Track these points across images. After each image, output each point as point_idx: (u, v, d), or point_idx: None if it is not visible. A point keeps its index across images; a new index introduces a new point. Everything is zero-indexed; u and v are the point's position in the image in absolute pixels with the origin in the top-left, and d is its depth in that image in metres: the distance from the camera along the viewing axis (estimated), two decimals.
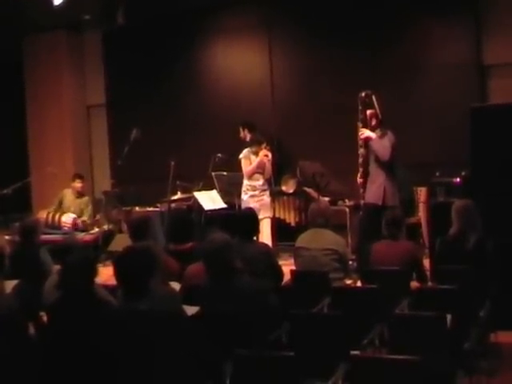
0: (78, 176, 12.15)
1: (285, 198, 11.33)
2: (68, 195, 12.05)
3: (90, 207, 12.01)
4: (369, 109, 9.13)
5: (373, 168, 9.03)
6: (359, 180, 9.20)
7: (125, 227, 10.87)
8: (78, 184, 12.00)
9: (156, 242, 9.34)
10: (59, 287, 5.06)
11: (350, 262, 7.97)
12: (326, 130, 11.96)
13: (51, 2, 11.32)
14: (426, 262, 7.97)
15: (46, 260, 7.53)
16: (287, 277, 7.00)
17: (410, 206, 10.27)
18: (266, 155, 10.14)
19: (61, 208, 11.93)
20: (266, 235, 9.82)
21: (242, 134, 11.23)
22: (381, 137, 8.94)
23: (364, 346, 5.28)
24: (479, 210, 6.83)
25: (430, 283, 6.88)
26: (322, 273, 6.65)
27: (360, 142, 9.15)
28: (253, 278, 5.45)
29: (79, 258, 5.10)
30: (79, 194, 12.03)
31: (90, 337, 4.54)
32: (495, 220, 7.27)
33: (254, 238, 7.31)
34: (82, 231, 11.52)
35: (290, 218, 11.31)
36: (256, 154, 10.17)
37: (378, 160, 8.92)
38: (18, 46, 14.29)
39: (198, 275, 5.90)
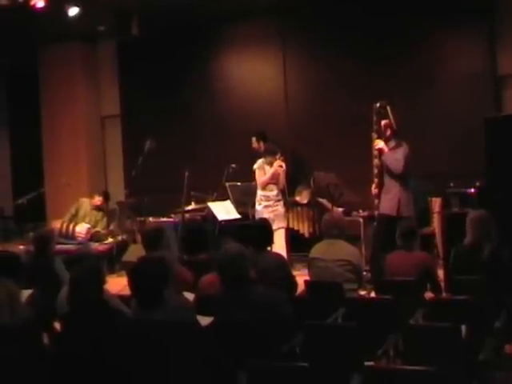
0: (102, 193, 12.22)
1: (299, 208, 11.34)
2: (85, 205, 12.09)
3: (104, 219, 12.05)
4: (383, 119, 9.13)
5: (387, 179, 9.02)
6: (374, 191, 9.19)
7: (139, 237, 10.87)
8: (98, 200, 12.05)
9: (170, 252, 9.36)
10: (69, 300, 5.07)
11: (364, 273, 7.94)
12: (340, 140, 11.95)
13: (66, 13, 11.39)
14: (441, 273, 7.95)
15: (60, 270, 7.53)
16: (301, 287, 7.00)
17: (424, 216, 10.24)
18: (281, 166, 10.14)
19: (76, 217, 11.97)
20: (279, 246, 9.78)
21: (255, 145, 11.25)
22: (394, 148, 8.94)
23: (378, 356, 5.27)
24: (494, 221, 6.81)
25: (444, 294, 6.86)
26: (336, 283, 6.63)
27: (375, 153, 9.15)
28: (267, 288, 5.45)
29: (85, 269, 5.11)
30: (97, 208, 12.08)
31: (103, 347, 4.54)
32: (510, 230, 7.24)
33: (268, 249, 7.29)
34: (96, 241, 11.55)
35: (304, 229, 11.31)
36: (270, 164, 10.17)
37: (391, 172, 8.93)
38: (33, 56, 14.36)
39: (212, 285, 5.91)
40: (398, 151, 8.90)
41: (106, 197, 12.23)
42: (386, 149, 8.98)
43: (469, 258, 6.70)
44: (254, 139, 11.31)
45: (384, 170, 9.06)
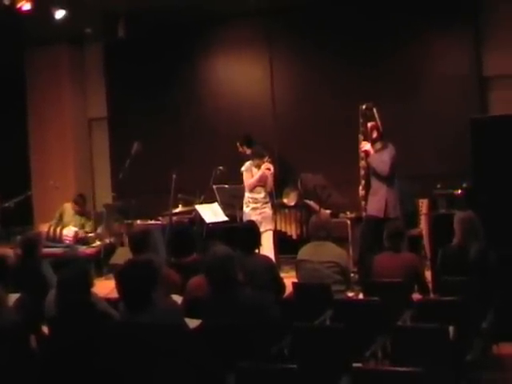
0: (77, 199, 12.17)
1: (286, 210, 11.34)
2: (68, 210, 12.05)
3: (90, 222, 12.02)
4: (370, 121, 9.16)
5: (374, 180, 9.05)
6: (361, 192, 9.22)
7: (126, 240, 10.86)
8: (76, 207, 12.02)
9: (158, 255, 9.34)
10: (56, 303, 5.06)
11: (352, 275, 7.97)
12: (327, 142, 11.98)
13: (52, 16, 11.36)
14: (428, 274, 7.97)
15: (47, 273, 7.51)
16: (289, 289, 7.00)
17: (412, 217, 10.26)
18: (268, 168, 10.14)
19: (61, 222, 11.94)
20: (267, 248, 9.79)
21: (240, 150, 11.27)
22: (380, 150, 8.98)
23: (366, 358, 5.27)
24: (481, 221, 6.83)
25: (432, 295, 6.88)
26: (324, 285, 6.64)
27: (362, 155, 9.18)
28: (255, 290, 5.45)
29: (73, 272, 5.10)
30: (79, 213, 12.04)
31: (91, 350, 4.53)
32: (497, 231, 7.27)
33: (256, 251, 7.29)
34: (84, 244, 11.52)
35: (292, 231, 11.31)
36: (258, 166, 10.17)
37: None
38: (19, 59, 14.31)
39: (199, 288, 5.90)
40: (385, 153, 8.94)
41: (82, 200, 12.17)
42: (371, 151, 9.01)
43: (456, 258, 6.73)
44: (238, 144, 11.34)
45: (370, 171, 9.09)
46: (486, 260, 6.61)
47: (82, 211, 12.08)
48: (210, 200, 10.77)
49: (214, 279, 5.32)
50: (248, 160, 10.38)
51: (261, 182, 10.17)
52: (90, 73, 14.52)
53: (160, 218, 11.54)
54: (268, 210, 10.25)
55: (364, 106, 9.22)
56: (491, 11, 11.32)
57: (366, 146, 9.07)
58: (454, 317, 5.31)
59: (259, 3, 11.89)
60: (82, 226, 11.90)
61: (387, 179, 8.89)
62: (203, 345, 4.69)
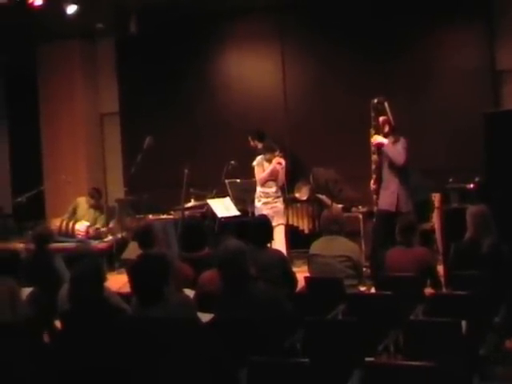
0: (93, 193, 12.19)
1: (298, 205, 11.33)
2: (82, 204, 12.07)
3: (103, 216, 12.04)
4: (381, 115, 9.13)
5: (386, 174, 9.02)
6: (372, 186, 9.20)
7: None
8: (90, 200, 12.04)
9: (170, 249, 9.36)
10: (70, 298, 5.08)
11: (364, 269, 7.94)
12: (339, 136, 11.95)
13: (64, 11, 11.38)
14: (440, 268, 7.95)
15: (60, 268, 7.54)
16: (301, 284, 7.00)
17: (425, 209, 10.22)
18: (279, 162, 10.13)
19: (75, 216, 11.96)
20: (279, 242, 9.78)
21: (252, 144, 11.25)
22: (393, 143, 8.95)
23: (379, 352, 5.27)
24: (493, 215, 6.81)
25: (444, 289, 6.87)
26: (337, 279, 6.64)
27: (373, 149, 9.16)
28: (267, 285, 5.45)
29: (86, 267, 5.11)
30: (93, 207, 12.06)
31: (104, 345, 4.54)
32: (510, 225, 7.25)
33: (268, 245, 7.30)
34: (96, 239, 11.54)
35: (304, 225, 11.30)
36: (269, 161, 10.17)
37: (391, 166, 8.92)
38: (31, 54, 14.34)
39: (212, 282, 5.91)
40: (398, 145, 8.91)
41: (98, 194, 12.21)
42: (386, 141, 8.97)
43: (469, 253, 6.71)
44: (249, 138, 11.33)
45: (383, 165, 9.06)
46: (499, 254, 6.59)
47: (97, 205, 12.09)
48: (221, 194, 10.78)
49: (226, 273, 5.33)
50: (259, 154, 10.38)
51: (272, 177, 10.16)
52: (102, 68, 14.53)
53: (172, 213, 11.55)
54: (280, 205, 10.25)
55: (375, 100, 9.19)
56: (504, 5, 11.28)
57: (378, 138, 9.04)
58: (466, 311, 5.29)
59: None
60: (95, 221, 11.91)
61: (399, 173, 8.86)
62: (215, 339, 4.69)
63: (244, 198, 10.55)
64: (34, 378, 4.73)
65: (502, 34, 11.30)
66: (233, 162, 10.96)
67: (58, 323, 5.54)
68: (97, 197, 12.14)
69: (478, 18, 11.49)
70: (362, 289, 7.21)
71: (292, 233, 10.83)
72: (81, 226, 11.68)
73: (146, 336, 4.47)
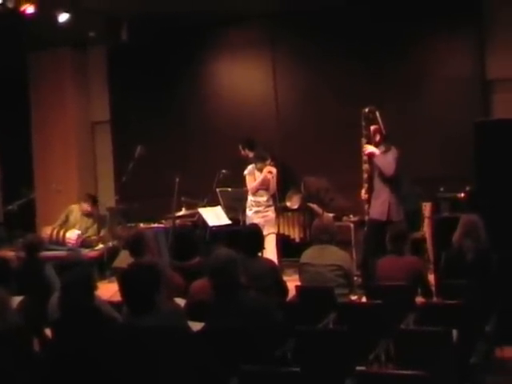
0: (88, 198, 12.16)
1: (289, 213, 11.33)
2: (75, 211, 12.06)
3: (95, 225, 12.02)
4: (373, 124, 9.15)
5: (377, 184, 9.04)
6: (364, 196, 9.20)
7: None
8: (86, 206, 12.00)
9: (161, 257, 9.35)
10: (60, 306, 5.07)
11: (355, 278, 7.95)
12: (330, 145, 11.96)
13: (56, 19, 11.37)
14: (431, 277, 7.96)
15: (51, 276, 7.52)
16: (292, 293, 6.99)
17: (416, 218, 10.24)
18: (270, 171, 10.16)
19: (67, 223, 11.94)
20: (270, 251, 9.79)
21: (242, 153, 11.25)
22: (384, 152, 8.97)
23: (370, 361, 5.27)
24: (484, 224, 6.84)
25: (435, 298, 6.87)
26: (327, 289, 6.64)
27: (364, 158, 9.17)
28: (258, 294, 5.45)
29: (76, 276, 5.10)
30: (87, 215, 12.04)
31: (94, 353, 4.53)
32: (500, 234, 7.26)
33: (259, 254, 7.29)
34: (87, 247, 11.52)
35: (295, 234, 11.31)
36: (260, 170, 10.20)
37: (382, 175, 8.93)
38: (22, 62, 14.32)
39: (203, 291, 5.90)
40: (389, 154, 8.92)
41: (94, 201, 12.19)
42: (377, 151, 8.99)
43: (455, 261, 6.73)
44: (240, 147, 11.33)
45: (374, 174, 9.08)
46: (486, 262, 6.61)
47: (91, 212, 12.06)
48: (213, 203, 10.79)
49: (217, 282, 5.32)
50: (251, 163, 10.39)
51: (263, 186, 10.18)
52: (94, 76, 14.53)
53: (163, 221, 11.54)
54: (271, 214, 10.27)
55: (367, 109, 9.21)
56: (494, 14, 11.31)
57: (369, 148, 9.05)
58: (457, 320, 5.30)
59: (262, 6, 11.91)
60: (87, 229, 11.89)
61: (390, 182, 8.87)
62: (206, 348, 4.68)
63: (235, 207, 10.56)
64: None
65: (492, 44, 11.33)
66: (224, 170, 10.97)
67: (48, 331, 5.52)
68: (91, 203, 12.10)
69: (469, 28, 11.52)
70: (353, 298, 7.21)
71: (283, 242, 10.84)
72: (72, 235, 11.66)
73: (136, 345, 4.46)
